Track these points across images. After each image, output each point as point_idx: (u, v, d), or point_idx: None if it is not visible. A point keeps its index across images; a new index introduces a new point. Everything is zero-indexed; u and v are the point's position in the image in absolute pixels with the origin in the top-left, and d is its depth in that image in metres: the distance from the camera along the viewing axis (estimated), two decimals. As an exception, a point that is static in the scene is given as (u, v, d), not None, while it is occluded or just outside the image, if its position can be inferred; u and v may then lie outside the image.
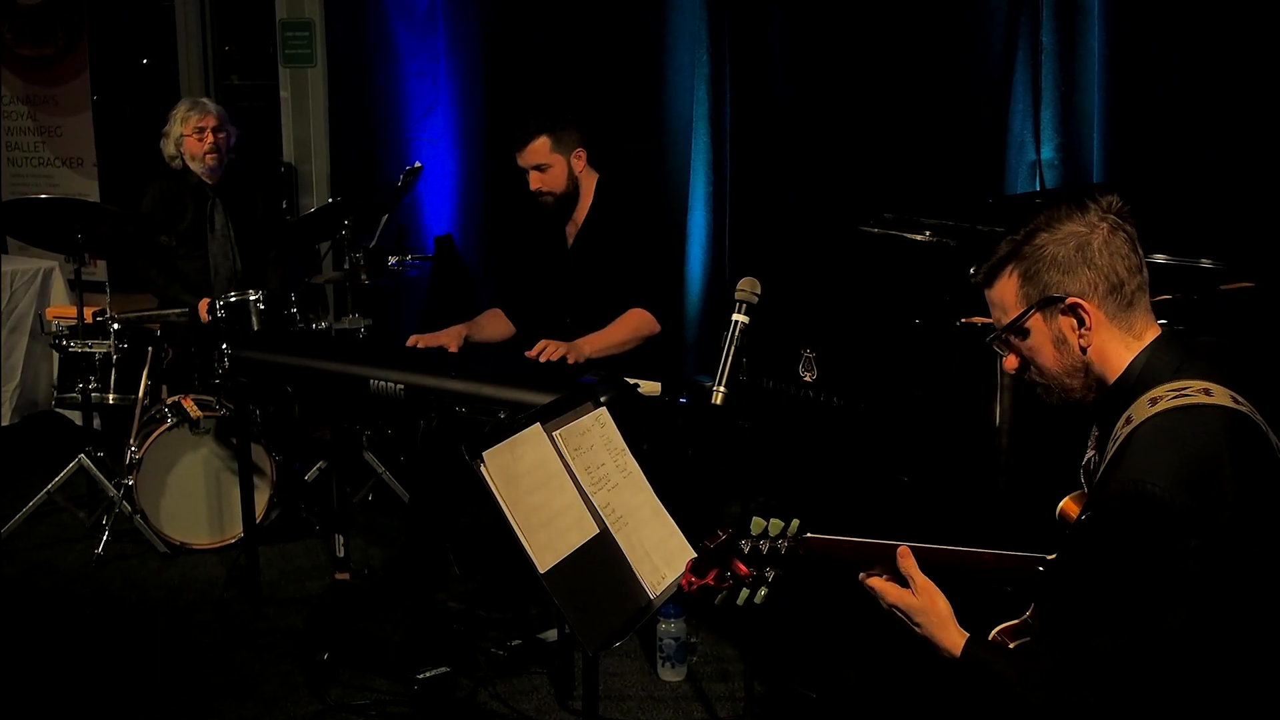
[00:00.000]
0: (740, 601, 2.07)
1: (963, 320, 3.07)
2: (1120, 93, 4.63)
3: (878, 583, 2.03)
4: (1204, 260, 3.25)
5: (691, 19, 5.48)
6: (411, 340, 3.91)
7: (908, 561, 2.01)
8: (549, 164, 3.99)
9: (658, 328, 3.98)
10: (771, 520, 2.06)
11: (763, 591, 2.07)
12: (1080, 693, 1.80)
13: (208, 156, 5.02)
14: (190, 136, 5.03)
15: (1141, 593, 1.77)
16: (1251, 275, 3.22)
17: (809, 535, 2.06)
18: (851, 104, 5.22)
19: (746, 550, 2.05)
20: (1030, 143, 4.87)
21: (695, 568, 2.08)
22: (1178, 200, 3.92)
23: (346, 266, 4.79)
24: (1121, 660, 1.79)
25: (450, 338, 3.96)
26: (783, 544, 2.06)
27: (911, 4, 5.08)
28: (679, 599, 3.18)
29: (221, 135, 5.07)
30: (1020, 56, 4.85)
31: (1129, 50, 4.59)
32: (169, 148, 5.09)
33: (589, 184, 4.08)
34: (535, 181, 4.02)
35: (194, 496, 4.64)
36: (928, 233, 3.67)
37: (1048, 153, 4.83)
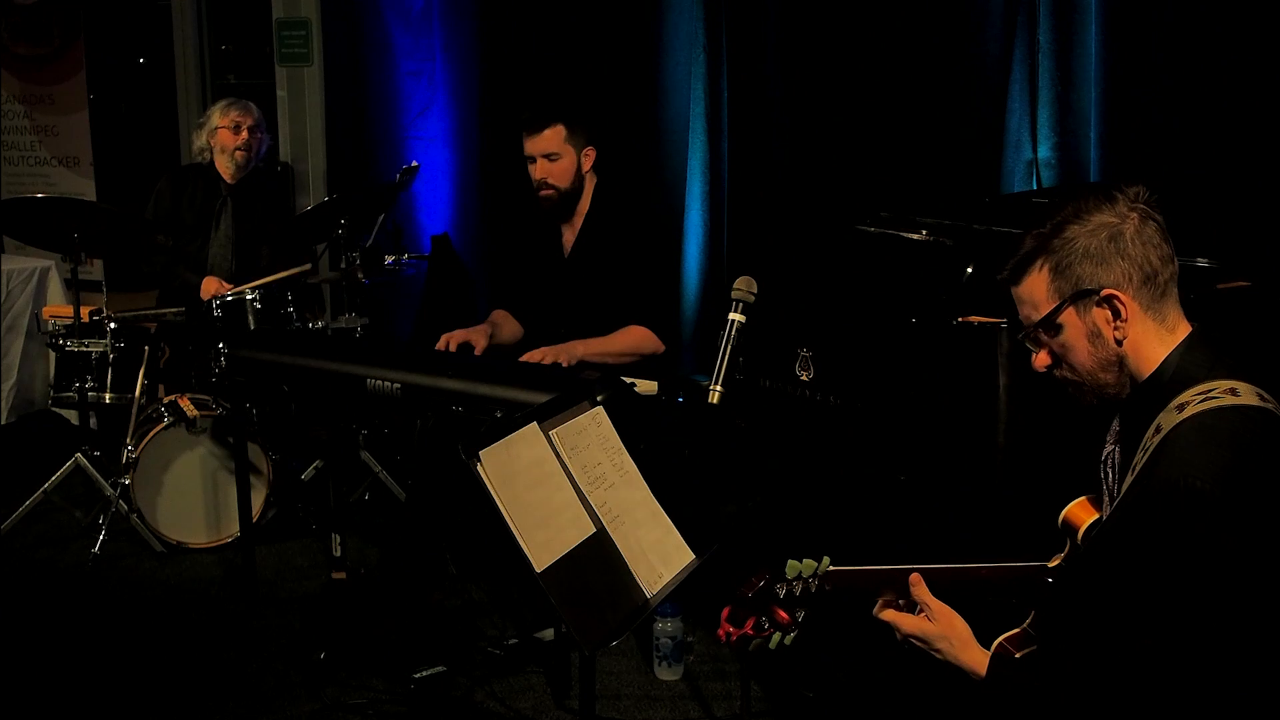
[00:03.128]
0: (773, 645, 2.04)
1: (959, 319, 3.07)
2: (1117, 91, 4.63)
3: (892, 615, 2.02)
4: (1200, 259, 3.25)
5: (688, 18, 5.48)
6: (443, 339, 3.88)
7: (919, 589, 2.00)
8: (559, 154, 3.88)
9: (661, 347, 3.92)
10: (805, 561, 2.03)
11: (793, 633, 2.04)
12: (1113, 701, 1.78)
13: (237, 153, 5.05)
14: (226, 129, 5.05)
15: (1183, 593, 1.73)
16: (1247, 274, 3.22)
17: (832, 569, 2.04)
18: (848, 103, 5.22)
19: (782, 595, 2.01)
20: (1027, 141, 4.87)
21: (732, 617, 2.03)
22: (1174, 198, 3.92)
23: (343, 266, 4.78)
24: (1153, 665, 1.76)
25: (479, 335, 3.93)
26: (813, 583, 2.03)
27: (908, 3, 5.08)
28: (675, 598, 3.17)
29: (257, 136, 5.10)
30: (1017, 55, 4.85)
31: (1126, 49, 4.59)
32: (201, 139, 5.13)
33: (589, 187, 4.00)
34: (541, 171, 3.91)
35: (190, 496, 4.64)
36: (924, 232, 3.67)
37: (1044, 151, 4.83)
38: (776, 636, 2.03)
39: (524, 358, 3.69)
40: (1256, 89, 4.30)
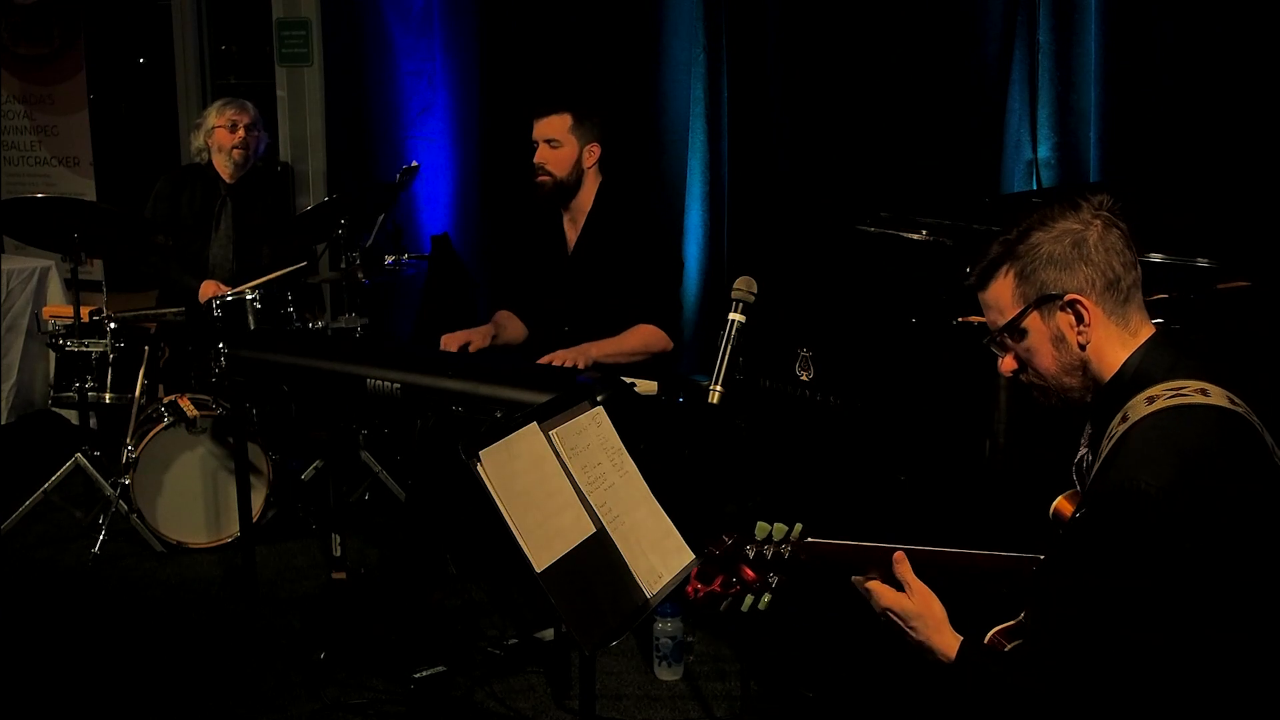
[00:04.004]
0: (745, 608, 2.06)
1: (959, 319, 3.07)
2: (1117, 91, 4.63)
3: (874, 585, 2.03)
4: (1200, 259, 3.25)
5: (688, 17, 5.48)
6: (443, 342, 3.89)
7: (903, 567, 2.01)
8: (561, 142, 3.92)
9: (670, 345, 3.94)
10: (775, 524, 2.05)
11: (766, 597, 2.06)
12: (1071, 693, 1.80)
13: (234, 152, 5.04)
14: (223, 128, 5.04)
15: (1133, 593, 1.76)
16: (1247, 274, 3.22)
17: (809, 540, 2.06)
18: (848, 103, 5.23)
19: (752, 555, 2.04)
20: (1027, 142, 4.88)
21: (701, 574, 2.06)
22: (1174, 199, 3.93)
23: (343, 266, 4.78)
24: (1110, 660, 1.78)
25: (479, 335, 3.94)
26: (786, 549, 2.05)
27: (908, 3, 5.08)
28: (676, 598, 3.18)
29: (254, 135, 5.10)
30: (1017, 56, 4.85)
31: (1126, 49, 4.59)
32: (198, 139, 5.12)
33: (592, 185, 4.01)
34: (540, 156, 3.94)
35: (190, 496, 4.64)
36: (924, 232, 3.67)
37: (1044, 152, 4.83)
38: (749, 599, 2.05)
39: (541, 361, 3.70)
40: (1256, 89, 4.30)
